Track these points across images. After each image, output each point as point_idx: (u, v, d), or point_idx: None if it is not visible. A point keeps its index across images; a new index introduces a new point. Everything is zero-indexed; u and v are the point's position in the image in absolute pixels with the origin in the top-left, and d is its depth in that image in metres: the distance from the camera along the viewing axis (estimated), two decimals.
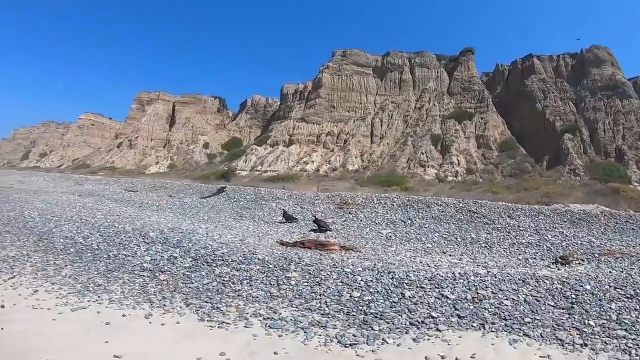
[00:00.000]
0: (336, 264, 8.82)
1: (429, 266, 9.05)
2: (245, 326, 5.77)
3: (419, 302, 6.67)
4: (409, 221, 15.50)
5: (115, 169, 58.22)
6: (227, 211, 18.93)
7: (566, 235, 12.95)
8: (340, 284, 7.55)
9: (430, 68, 57.64)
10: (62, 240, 10.76)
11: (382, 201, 18.32)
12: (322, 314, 6.28)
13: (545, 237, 12.78)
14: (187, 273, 8.18)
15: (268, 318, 6.08)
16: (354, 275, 7.96)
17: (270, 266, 8.46)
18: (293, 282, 7.63)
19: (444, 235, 13.50)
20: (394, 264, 9.18)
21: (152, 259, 9.05)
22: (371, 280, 7.71)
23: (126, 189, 27.45)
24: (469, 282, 7.69)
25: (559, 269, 9.59)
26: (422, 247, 12.01)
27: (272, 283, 7.59)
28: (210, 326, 5.70)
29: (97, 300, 6.60)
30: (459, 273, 8.30)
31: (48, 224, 13.09)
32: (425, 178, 40.33)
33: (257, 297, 6.97)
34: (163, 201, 21.87)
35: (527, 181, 30.16)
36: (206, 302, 6.63)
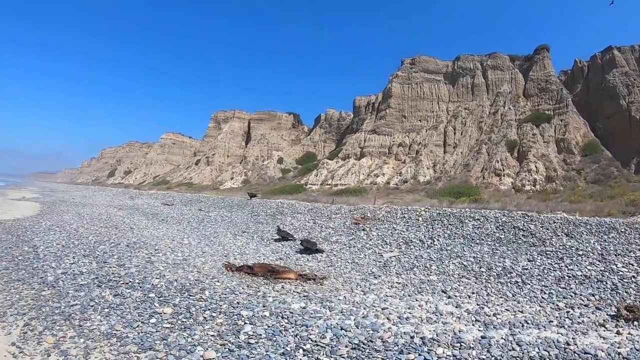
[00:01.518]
0: (243, 302, 6.37)
1: (388, 319, 5.98)
2: None
3: None
4: (430, 241, 11.96)
5: (192, 185, 62.16)
6: (239, 225, 17.41)
7: None
8: (213, 334, 5.09)
9: (504, 70, 50.76)
10: (26, 248, 10.56)
11: (405, 215, 14.87)
12: None
13: (613, 267, 8.30)
14: (71, 292, 6.87)
15: None
16: (245, 324, 5.42)
17: (152, 295, 6.40)
18: (154, 320, 5.49)
19: (466, 263, 9.80)
20: (337, 309, 6.32)
21: (62, 272, 8.08)
22: (260, 335, 5.12)
23: (164, 202, 28.00)
24: None
25: (618, 332, 5.66)
26: (419, 281, 8.66)
27: (130, 316, 5.62)
28: (11, 352, 4.65)
29: None
30: (421, 338, 5.23)
31: (42, 233, 13.16)
32: (501, 188, 34.41)
33: (93, 331, 5.22)
34: (188, 214, 21.38)
35: (613, 188, 24.17)
36: (43, 326, 5.36)
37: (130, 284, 7.00)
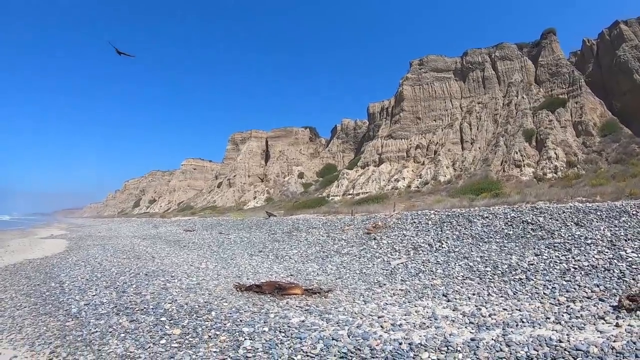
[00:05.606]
0: (246, 319, 6.77)
1: (381, 327, 6.21)
2: None
3: None
4: (438, 244, 12.03)
5: (215, 208, 63.75)
6: (256, 245, 17.94)
7: None
8: (215, 350, 5.52)
9: (513, 59, 50.19)
10: (53, 284, 11.18)
11: (415, 220, 14.95)
12: None
13: (622, 253, 8.16)
14: (93, 321, 7.39)
15: None
16: (245, 340, 5.84)
17: (163, 318, 6.89)
18: (164, 341, 5.98)
19: (472, 264, 9.85)
20: (334, 320, 6.63)
21: (85, 304, 8.59)
22: (257, 349, 5.56)
23: (185, 229, 28.99)
24: None
25: (617, 324, 5.64)
26: (422, 287, 8.79)
27: (143, 339, 6.12)
28: None
29: None
30: (409, 344, 5.38)
31: (68, 269, 13.83)
32: (522, 179, 33.84)
33: (110, 354, 5.72)
34: (209, 239, 22.12)
35: (636, 165, 23.48)
36: (67, 352, 5.88)
37: (144, 309, 7.54)
